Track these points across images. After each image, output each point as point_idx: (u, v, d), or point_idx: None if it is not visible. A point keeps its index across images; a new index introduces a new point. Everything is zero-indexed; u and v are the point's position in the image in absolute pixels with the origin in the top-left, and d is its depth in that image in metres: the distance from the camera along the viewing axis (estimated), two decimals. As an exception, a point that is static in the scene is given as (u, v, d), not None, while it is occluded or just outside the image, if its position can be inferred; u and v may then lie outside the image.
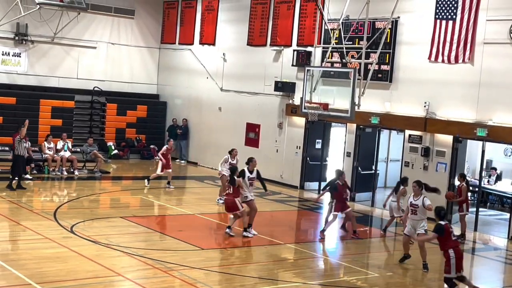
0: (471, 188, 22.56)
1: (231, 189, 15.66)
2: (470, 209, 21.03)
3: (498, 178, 22.46)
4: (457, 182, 18.23)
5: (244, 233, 15.81)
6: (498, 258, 16.37)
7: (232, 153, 19.31)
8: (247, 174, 15.90)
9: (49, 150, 23.43)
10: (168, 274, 12.49)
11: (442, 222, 12.23)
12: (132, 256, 13.52)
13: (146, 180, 22.02)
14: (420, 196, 14.38)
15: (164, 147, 22.27)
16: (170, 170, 21.88)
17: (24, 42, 26.97)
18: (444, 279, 12.02)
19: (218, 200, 19.71)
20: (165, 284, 11.97)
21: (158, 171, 21.87)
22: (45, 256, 13.17)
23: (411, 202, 14.39)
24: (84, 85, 28.33)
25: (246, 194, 15.83)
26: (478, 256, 16.76)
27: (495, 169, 22.60)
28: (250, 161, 16.14)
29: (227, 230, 15.92)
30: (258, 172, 16.27)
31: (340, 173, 17.41)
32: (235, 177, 15.60)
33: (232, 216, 16.00)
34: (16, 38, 26.81)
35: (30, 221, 16.15)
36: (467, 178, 22.41)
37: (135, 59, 30.00)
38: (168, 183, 21.95)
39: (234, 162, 19.00)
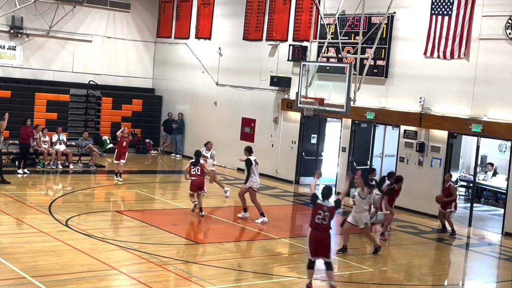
0: (465, 183, 22.71)
1: (199, 171, 17.23)
2: (464, 205, 21.16)
3: (495, 173, 22.51)
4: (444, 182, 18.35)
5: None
6: (492, 254, 16.42)
7: (207, 145, 19.84)
8: (204, 153, 19.15)
9: (44, 144, 23.41)
10: (163, 268, 12.51)
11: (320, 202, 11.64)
12: (127, 250, 13.53)
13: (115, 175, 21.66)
14: (364, 186, 14.83)
15: (118, 132, 21.75)
16: (119, 162, 21.30)
17: (19, 35, 26.89)
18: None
19: (226, 192, 19.58)
20: (159, 278, 11.98)
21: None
22: (40, 250, 13.17)
23: (354, 195, 14.92)
24: (80, 78, 28.27)
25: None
26: (472, 251, 16.82)
27: (492, 164, 22.63)
28: (207, 144, 19.55)
29: (193, 207, 17.43)
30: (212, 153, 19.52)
31: (400, 180, 17.21)
32: (200, 159, 17.53)
33: (196, 193, 17.24)
34: (11, 31, 26.73)
35: (25, 214, 16.15)
36: (462, 173, 22.54)
37: (131, 53, 29.94)
38: (117, 174, 21.54)
39: (208, 155, 19.51)
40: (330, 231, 11.71)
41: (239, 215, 17.47)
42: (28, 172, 21.81)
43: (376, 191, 17.35)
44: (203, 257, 13.63)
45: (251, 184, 16.99)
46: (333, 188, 15.37)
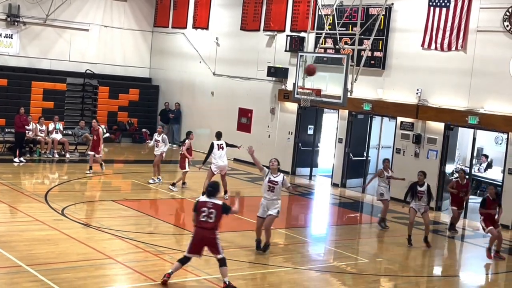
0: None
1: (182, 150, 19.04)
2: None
3: (489, 165, 22.54)
4: (455, 178, 18.08)
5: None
6: (486, 245, 16.46)
7: (158, 130, 20.71)
8: (156, 137, 20.32)
9: (41, 132, 23.39)
10: (159, 258, 12.53)
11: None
12: (123, 239, 13.55)
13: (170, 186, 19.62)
14: (278, 173, 13.43)
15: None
16: (96, 154, 20.84)
17: (16, 23, 26.79)
18: None
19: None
20: (155, 268, 12.00)
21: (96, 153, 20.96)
22: (36, 239, 13.18)
23: (269, 178, 13.30)
24: (76, 67, 28.21)
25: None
26: (467, 243, 16.89)
27: (486, 156, 22.68)
28: (189, 134, 19.64)
29: (171, 186, 19.02)
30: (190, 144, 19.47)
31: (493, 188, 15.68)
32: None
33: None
34: (8, 19, 26.62)
35: (21, 203, 16.15)
36: (458, 165, 22.56)
37: (128, 42, 29.86)
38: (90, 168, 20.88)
39: (159, 139, 20.16)
40: (216, 231, 10.97)
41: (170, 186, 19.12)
42: (25, 161, 21.80)
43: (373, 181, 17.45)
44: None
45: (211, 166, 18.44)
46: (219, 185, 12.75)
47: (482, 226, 15.01)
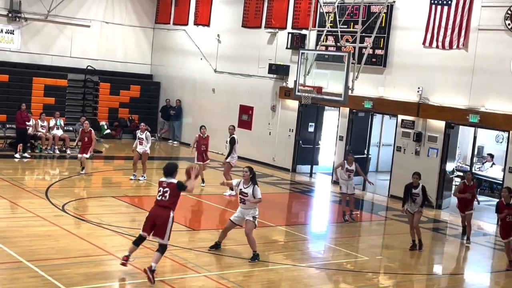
0: (461, 174, 22.75)
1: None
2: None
3: (494, 164, 22.50)
4: (463, 181, 16.69)
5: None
6: (487, 244, 16.50)
7: (140, 127, 20.12)
8: (139, 135, 19.69)
9: (42, 128, 23.41)
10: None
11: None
12: (123, 236, 13.56)
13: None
14: (250, 184, 12.60)
15: (80, 129, 20.90)
16: (84, 155, 19.81)
17: (17, 19, 26.78)
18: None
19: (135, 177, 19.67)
20: (156, 264, 12.00)
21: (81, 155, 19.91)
22: (36, 234, 13.19)
23: (240, 189, 12.68)
24: (78, 63, 28.21)
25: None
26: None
27: (492, 156, 22.58)
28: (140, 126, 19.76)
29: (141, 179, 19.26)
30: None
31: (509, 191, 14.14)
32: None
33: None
34: (10, 15, 26.62)
35: (22, 199, 16.16)
36: (459, 163, 22.57)
37: (129, 38, 29.86)
38: (83, 169, 19.96)
39: (143, 136, 19.64)
40: (171, 211, 10.94)
41: (226, 193, 18.64)
42: (29, 157, 21.86)
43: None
44: (199, 243, 13.67)
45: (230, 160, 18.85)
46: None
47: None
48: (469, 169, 20.49)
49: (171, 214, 10.94)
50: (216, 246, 13.02)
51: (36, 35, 27.47)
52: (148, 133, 19.81)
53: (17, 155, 21.73)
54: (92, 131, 20.36)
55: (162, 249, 10.92)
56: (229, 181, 13.99)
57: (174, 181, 11.05)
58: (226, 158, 18.97)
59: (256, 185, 12.60)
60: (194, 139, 19.80)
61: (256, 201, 12.53)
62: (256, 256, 12.57)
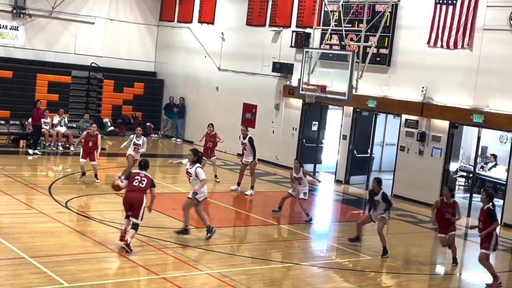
0: (465, 174, 22.72)
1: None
2: (464, 195, 21.17)
3: (496, 165, 22.46)
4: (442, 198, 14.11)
5: None
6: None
7: (136, 132, 18.81)
8: (136, 141, 18.52)
9: (45, 125, 23.43)
10: (162, 252, 12.55)
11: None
12: (126, 233, 13.53)
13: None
14: (194, 164, 13.48)
15: (84, 133, 19.08)
16: (93, 163, 18.43)
17: (22, 15, 26.79)
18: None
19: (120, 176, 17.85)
20: (158, 262, 12.03)
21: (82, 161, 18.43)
22: (39, 231, 13.21)
23: (187, 169, 13.72)
24: (82, 60, 28.20)
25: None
26: (470, 241, 16.85)
27: (495, 156, 22.54)
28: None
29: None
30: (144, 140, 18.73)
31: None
32: None
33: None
34: (14, 11, 26.62)
35: (25, 195, 16.18)
36: (462, 164, 22.51)
37: (133, 36, 29.84)
38: (95, 175, 18.50)
39: (140, 142, 18.43)
40: (145, 196, 12.52)
41: (232, 187, 19.12)
42: (40, 153, 21.97)
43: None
44: (201, 241, 13.67)
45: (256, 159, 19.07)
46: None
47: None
48: (472, 169, 20.45)
49: (145, 198, 12.54)
50: (185, 231, 13.77)
51: (40, 31, 27.48)
52: (145, 138, 18.82)
53: (30, 151, 21.87)
54: (99, 136, 18.83)
55: (135, 227, 12.39)
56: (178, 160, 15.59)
57: (149, 176, 12.83)
58: (254, 158, 19.00)
59: (198, 167, 13.42)
60: (203, 135, 20.55)
61: (201, 182, 13.42)
62: (184, 231, 13.67)
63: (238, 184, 19.17)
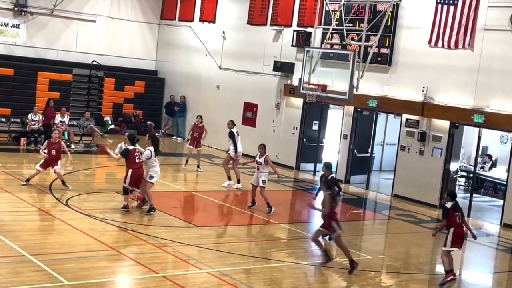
0: (465, 174, 22.74)
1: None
2: (464, 195, 21.18)
3: (493, 165, 22.52)
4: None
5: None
6: (490, 244, 16.48)
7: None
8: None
9: (62, 124, 23.46)
10: (162, 250, 12.57)
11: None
12: (126, 231, 13.58)
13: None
14: (148, 146, 15.49)
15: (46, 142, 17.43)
16: (57, 167, 16.94)
17: (23, 13, 26.80)
18: None
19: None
20: (158, 260, 12.04)
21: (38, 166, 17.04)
22: (39, 229, 13.23)
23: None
24: (83, 58, 28.21)
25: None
26: (470, 241, 16.85)
27: (490, 156, 22.64)
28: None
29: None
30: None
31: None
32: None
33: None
34: (16, 9, 26.64)
35: (26, 193, 16.18)
36: (463, 163, 22.50)
37: (135, 34, 29.85)
38: (63, 182, 16.95)
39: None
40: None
41: (224, 184, 19.39)
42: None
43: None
44: (202, 240, 13.69)
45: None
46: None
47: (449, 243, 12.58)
48: (473, 169, 20.46)
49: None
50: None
51: (41, 29, 27.49)
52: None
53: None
54: (62, 143, 17.30)
55: (126, 191, 15.09)
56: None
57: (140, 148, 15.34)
58: (235, 151, 19.37)
59: (148, 150, 15.31)
60: (191, 126, 21.63)
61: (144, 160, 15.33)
62: (151, 209, 15.33)
63: (229, 178, 19.45)
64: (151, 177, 15.36)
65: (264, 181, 16.49)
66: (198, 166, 21.28)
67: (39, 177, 18.89)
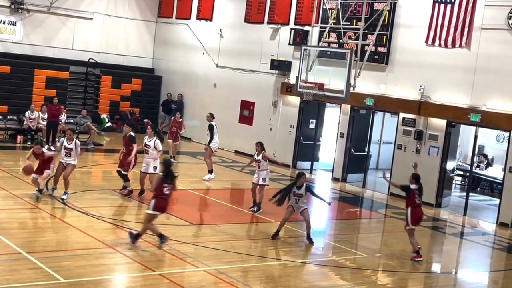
0: (461, 173, 22.77)
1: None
2: (460, 194, 21.22)
3: (489, 164, 22.55)
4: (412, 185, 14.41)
5: None
6: (486, 243, 16.52)
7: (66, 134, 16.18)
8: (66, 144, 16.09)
9: (43, 120, 23.43)
10: (158, 248, 12.55)
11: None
12: (122, 229, 13.57)
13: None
14: (153, 137, 16.39)
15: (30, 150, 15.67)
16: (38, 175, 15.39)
17: (20, 10, 26.75)
18: None
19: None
20: (154, 258, 12.04)
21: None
22: (36, 226, 13.21)
23: (145, 142, 16.36)
24: (79, 56, 28.19)
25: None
26: (466, 240, 16.91)
27: (485, 155, 22.67)
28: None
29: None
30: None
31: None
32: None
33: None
34: (12, 6, 26.58)
35: (22, 190, 16.15)
36: (459, 162, 22.54)
37: (132, 32, 29.82)
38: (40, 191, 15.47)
39: (71, 146, 15.60)
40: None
41: (205, 177, 19.71)
42: (54, 149, 22.00)
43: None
44: (198, 238, 13.69)
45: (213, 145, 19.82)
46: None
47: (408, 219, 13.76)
48: (469, 168, 20.49)
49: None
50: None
51: (38, 27, 27.44)
52: (78, 142, 15.84)
53: (45, 147, 22.00)
54: (46, 152, 15.56)
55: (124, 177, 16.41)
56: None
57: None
58: (208, 144, 19.86)
59: (157, 139, 16.26)
60: (171, 121, 22.48)
61: (158, 152, 16.24)
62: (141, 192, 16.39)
63: (210, 171, 19.82)
64: (155, 168, 16.22)
65: (264, 179, 16.44)
66: (173, 157, 21.71)
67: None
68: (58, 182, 15.66)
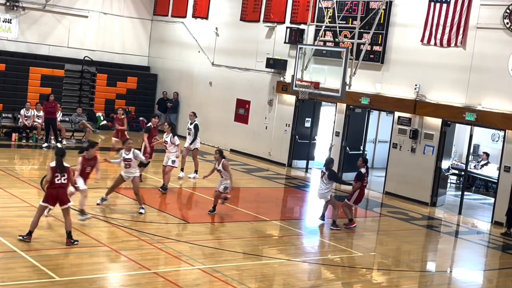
0: (457, 172, 22.79)
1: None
2: (455, 193, 21.26)
3: (489, 163, 22.55)
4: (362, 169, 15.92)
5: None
6: (481, 242, 16.56)
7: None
8: None
9: (38, 118, 23.38)
10: (154, 246, 12.56)
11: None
12: (118, 227, 13.56)
13: None
14: (169, 133, 17.59)
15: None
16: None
17: (15, 8, 26.67)
18: None
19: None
20: (150, 256, 12.03)
21: None
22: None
23: (164, 139, 17.76)
24: (75, 54, 28.12)
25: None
26: (461, 239, 16.94)
27: (487, 154, 22.63)
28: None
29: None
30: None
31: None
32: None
33: None
34: (7, 4, 26.50)
35: (17, 188, 16.14)
36: (454, 161, 22.58)
37: (127, 30, 29.77)
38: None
39: (130, 156, 15.21)
40: None
41: (190, 176, 19.79)
42: (65, 144, 22.31)
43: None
44: (193, 236, 13.69)
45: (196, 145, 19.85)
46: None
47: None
48: (464, 167, 20.53)
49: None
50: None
51: (33, 24, 27.37)
52: (137, 151, 15.45)
53: (44, 145, 22.39)
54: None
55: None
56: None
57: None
58: (191, 144, 19.65)
59: (173, 136, 17.62)
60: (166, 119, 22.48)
61: (175, 147, 17.64)
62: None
63: (182, 169, 19.77)
64: (174, 161, 17.56)
65: (225, 188, 15.51)
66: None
67: (30, 173, 18.87)
68: (111, 194, 15.61)
